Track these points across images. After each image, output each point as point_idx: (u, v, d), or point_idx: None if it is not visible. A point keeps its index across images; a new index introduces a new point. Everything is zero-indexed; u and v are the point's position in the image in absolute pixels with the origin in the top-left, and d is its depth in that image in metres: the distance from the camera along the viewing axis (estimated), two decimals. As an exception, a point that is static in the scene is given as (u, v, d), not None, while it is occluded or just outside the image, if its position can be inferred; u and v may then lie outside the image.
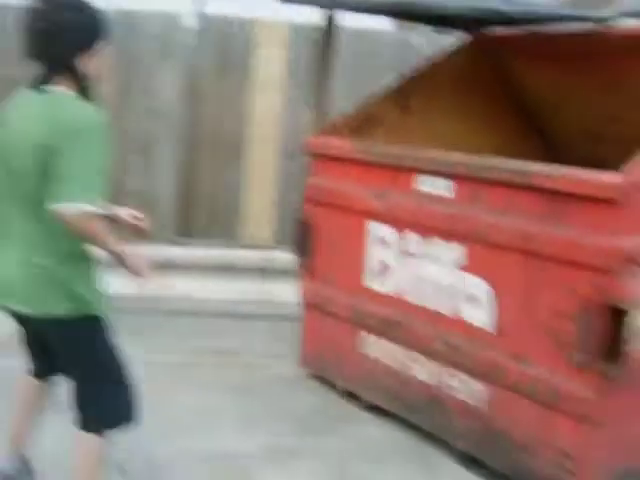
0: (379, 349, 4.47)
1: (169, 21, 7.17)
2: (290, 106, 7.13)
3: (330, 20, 4.57)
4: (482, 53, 5.45)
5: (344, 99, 5.95)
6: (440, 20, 5.05)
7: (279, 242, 7.05)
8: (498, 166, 3.69)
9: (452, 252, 3.94)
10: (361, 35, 7.27)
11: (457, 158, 3.94)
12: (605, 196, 3.23)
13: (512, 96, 5.60)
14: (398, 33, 7.29)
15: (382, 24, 7.35)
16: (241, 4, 6.96)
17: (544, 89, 5.47)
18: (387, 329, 4.38)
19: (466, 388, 3.91)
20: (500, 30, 5.27)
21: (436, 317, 4.07)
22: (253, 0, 6.76)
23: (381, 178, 4.37)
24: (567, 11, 4.72)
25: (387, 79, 5.69)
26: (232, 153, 7.33)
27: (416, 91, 5.26)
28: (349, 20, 5.72)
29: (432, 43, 7.00)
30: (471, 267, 3.84)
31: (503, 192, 3.64)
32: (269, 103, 7.27)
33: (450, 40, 5.73)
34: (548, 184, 3.42)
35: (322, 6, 4.46)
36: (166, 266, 6.34)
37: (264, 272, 6.76)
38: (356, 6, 4.44)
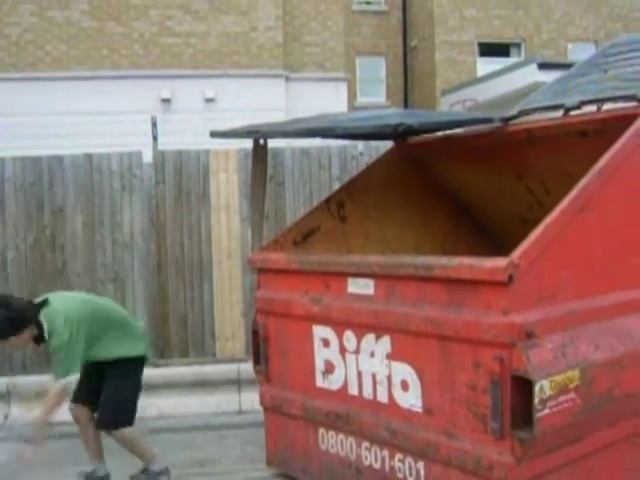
0: (335, 443, 4.77)
1: (127, 158, 7.75)
2: (246, 225, 7.63)
3: (256, 145, 5.07)
4: (407, 157, 5.98)
5: (299, 213, 6.47)
6: (360, 135, 5.58)
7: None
8: (405, 263, 4.11)
9: (381, 344, 4.32)
10: (307, 151, 7.86)
11: (372, 259, 4.37)
12: (494, 279, 3.64)
13: (441, 193, 6.10)
14: (341, 146, 7.85)
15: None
16: (191, 136, 7.56)
17: (468, 183, 5.97)
18: (339, 423, 4.69)
19: (410, 469, 4.21)
20: (419, 138, 5.82)
21: (377, 406, 4.40)
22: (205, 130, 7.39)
23: (316, 284, 4.78)
24: (471, 115, 5.26)
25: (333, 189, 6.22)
26: (198, 274, 7.80)
27: (350, 199, 5.76)
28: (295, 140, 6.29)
29: (375, 150, 7.57)
30: (397, 356, 4.21)
31: (413, 285, 4.05)
32: (227, 225, 7.78)
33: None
34: (447, 274, 3.84)
35: (246, 137, 4.97)
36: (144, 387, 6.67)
37: (239, 383, 7.09)
38: (277, 134, 4.95)
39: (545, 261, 3.72)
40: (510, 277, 3.60)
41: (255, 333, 5.34)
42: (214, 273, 7.81)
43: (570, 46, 23.22)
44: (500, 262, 3.65)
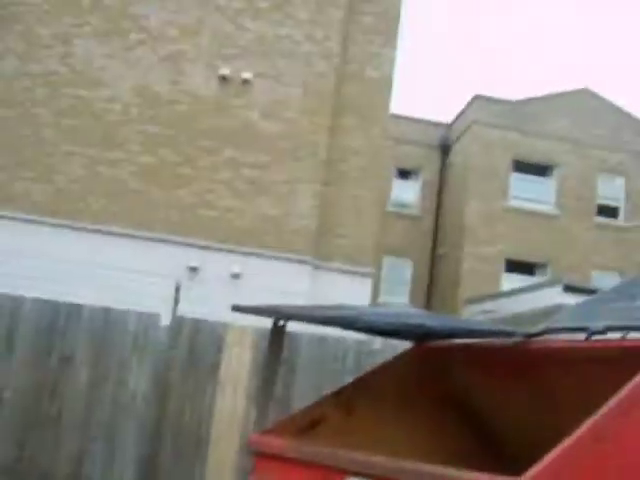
0: None
1: (145, 319, 7.75)
2: (252, 403, 7.46)
3: (275, 325, 5.04)
4: (424, 360, 5.89)
5: (306, 400, 6.32)
6: (383, 332, 5.54)
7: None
8: (408, 468, 3.93)
9: None
10: (324, 340, 7.81)
11: (376, 460, 4.19)
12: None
13: (453, 403, 5.94)
14: (359, 340, 7.80)
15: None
16: (212, 307, 7.57)
17: (483, 396, 5.83)
18: None
19: None
20: (439, 342, 5.76)
21: None
22: (227, 302, 7.42)
23: (313, 478, 4.57)
24: (494, 327, 5.22)
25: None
26: (194, 448, 7.56)
27: (361, 395, 5.62)
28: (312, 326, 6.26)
29: (392, 348, 7.50)
30: None
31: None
32: (232, 401, 7.62)
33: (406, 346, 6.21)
34: (454, 488, 3.65)
35: (267, 316, 4.95)
36: None
37: None
38: (298, 317, 4.93)
39: (558, 487, 3.54)
40: (520, 500, 3.40)
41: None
42: (210, 448, 7.56)
43: (594, 273, 23.56)
44: (512, 482, 3.47)
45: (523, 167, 24.28)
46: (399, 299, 23.56)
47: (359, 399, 5.62)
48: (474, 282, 22.60)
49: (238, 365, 7.69)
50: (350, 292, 12.13)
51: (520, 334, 5.24)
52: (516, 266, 23.35)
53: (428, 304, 24.15)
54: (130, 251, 12.34)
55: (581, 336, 5.15)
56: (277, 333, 5.05)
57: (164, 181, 13.29)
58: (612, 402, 3.93)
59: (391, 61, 14.70)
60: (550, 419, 5.50)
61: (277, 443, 4.91)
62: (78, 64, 13.62)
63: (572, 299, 13.37)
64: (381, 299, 22.67)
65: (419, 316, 4.87)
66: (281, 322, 5.04)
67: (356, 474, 4.31)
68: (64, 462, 7.52)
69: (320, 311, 4.88)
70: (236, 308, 5.12)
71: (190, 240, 12.82)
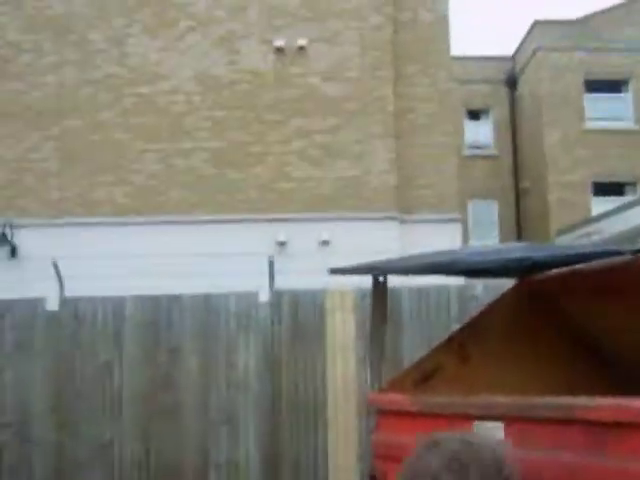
0: None
1: (244, 299, 7.79)
2: (362, 366, 7.43)
3: (376, 282, 4.97)
4: (532, 295, 5.73)
5: (416, 354, 6.25)
6: (484, 272, 5.40)
7: (366, 502, 7.04)
8: (539, 404, 3.82)
9: (514, 494, 3.96)
10: (424, 291, 7.70)
11: (502, 400, 4.09)
12: (643, 422, 3.30)
13: (566, 333, 5.77)
14: (460, 286, 7.67)
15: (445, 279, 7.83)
16: (307, 277, 7.55)
17: (597, 321, 5.63)
18: None
19: None
20: (543, 274, 5.58)
21: None
22: (320, 271, 7.40)
23: (440, 427, 4.49)
24: (598, 248, 5.02)
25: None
26: (312, 418, 7.59)
27: (473, 340, 5.51)
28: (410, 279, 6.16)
29: (495, 290, 7.34)
30: (533, 507, 3.84)
31: (549, 429, 3.73)
32: (343, 366, 7.61)
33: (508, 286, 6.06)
34: (592, 416, 3.52)
35: (365, 273, 4.88)
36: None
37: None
38: (397, 269, 4.85)
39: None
40: (662, 419, 3.26)
41: (372, 478, 5.04)
42: (329, 416, 7.58)
43: (688, 184, 22.66)
44: (651, 403, 3.33)
45: (596, 86, 23.43)
46: (490, 241, 23.18)
47: (471, 344, 5.52)
48: (563, 212, 22.02)
49: (343, 329, 7.67)
50: (440, 241, 11.91)
51: (628, 251, 5.03)
52: (604, 189, 22.64)
53: (519, 241, 23.69)
54: (217, 236, 12.43)
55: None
56: (379, 290, 4.99)
57: (238, 162, 13.32)
58: None
59: (444, 1, 14.32)
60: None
61: (396, 399, 4.87)
62: (134, 63, 13.73)
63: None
64: (472, 244, 22.35)
65: (521, 249, 4.71)
66: (381, 278, 4.97)
67: (482, 417, 4.22)
68: (189, 450, 7.67)
69: (418, 260, 4.78)
70: (334, 271, 5.08)
71: (274, 216, 12.83)
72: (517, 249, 4.82)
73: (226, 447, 7.68)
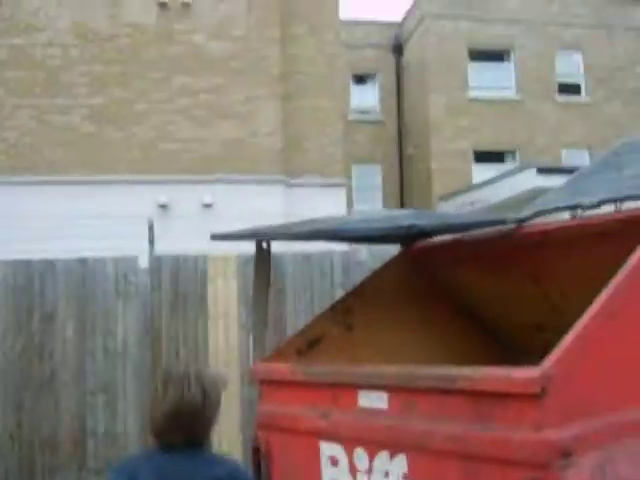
0: None
1: (123, 263, 7.49)
2: (245, 333, 7.30)
3: (259, 248, 4.81)
4: (416, 262, 5.72)
5: (300, 321, 6.16)
6: (369, 238, 5.33)
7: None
8: (424, 374, 3.78)
9: (396, 464, 3.93)
10: (308, 257, 7.61)
11: (386, 370, 4.04)
12: (526, 391, 3.30)
13: (450, 301, 5.80)
14: (344, 252, 7.62)
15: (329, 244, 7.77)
16: (189, 241, 7.31)
17: (479, 289, 5.69)
18: None
19: None
20: (428, 241, 5.57)
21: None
22: (203, 235, 7.18)
23: (323, 397, 4.41)
24: (483, 217, 5.03)
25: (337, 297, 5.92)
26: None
27: (358, 307, 5.45)
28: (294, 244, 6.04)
29: (379, 256, 7.33)
30: (414, 476, 3.81)
31: (433, 399, 3.70)
32: (225, 333, 7.45)
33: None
34: (472, 386, 3.50)
35: (249, 239, 4.72)
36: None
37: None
38: (281, 236, 4.70)
39: (579, 371, 3.40)
40: (543, 389, 3.26)
41: (255, 450, 4.92)
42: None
43: (564, 152, 23.47)
44: (532, 372, 3.32)
45: (480, 55, 23.87)
46: (373, 206, 23.41)
47: (356, 312, 5.46)
48: (445, 179, 22.43)
49: (225, 296, 7.49)
50: (325, 205, 11.90)
51: (512, 220, 5.06)
52: (485, 157, 23.20)
53: (402, 207, 24.05)
54: (95, 198, 11.95)
55: (575, 214, 4.98)
56: (262, 256, 4.83)
57: (119, 120, 12.81)
58: (621, 276, 3.79)
59: (333, -39, 14.13)
60: (554, 304, 5.38)
61: (279, 368, 4.75)
62: (8, 11, 12.94)
63: (547, 181, 13.26)
64: (355, 208, 22.51)
65: (408, 216, 4.65)
66: (264, 244, 4.81)
67: (368, 388, 4.16)
68: (66, 422, 7.36)
69: (303, 226, 4.64)
70: (215, 237, 4.89)
71: (156, 177, 12.43)
72: (403, 216, 4.77)
73: (104, 417, 7.42)
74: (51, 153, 12.44)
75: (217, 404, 2.95)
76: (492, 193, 17.46)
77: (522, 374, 3.36)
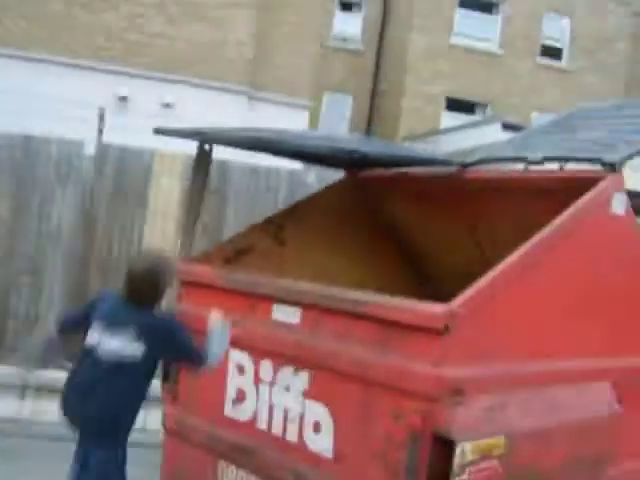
0: (235, 478, 4.41)
1: (67, 147, 7.34)
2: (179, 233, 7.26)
3: (201, 149, 4.76)
4: (356, 190, 5.71)
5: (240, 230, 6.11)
6: (314, 158, 5.30)
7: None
8: (336, 295, 3.81)
9: (298, 379, 3.99)
10: (255, 170, 7.55)
11: (301, 286, 4.06)
12: (430, 326, 3.35)
13: (386, 231, 5.83)
14: (293, 171, 7.57)
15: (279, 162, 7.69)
16: (142, 138, 7.16)
17: (417, 226, 5.71)
18: (242, 458, 4.33)
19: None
20: (373, 171, 5.55)
21: (285, 445, 4.06)
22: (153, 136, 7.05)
23: (239, 305, 4.44)
24: (430, 155, 5.03)
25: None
26: (121, 278, 7.36)
27: (292, 224, 5.45)
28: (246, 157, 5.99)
29: (327, 181, 7.29)
30: (314, 394, 3.88)
31: (341, 320, 3.75)
32: (162, 231, 7.40)
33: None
34: (379, 313, 3.55)
35: (191, 138, 4.66)
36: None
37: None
38: (224, 139, 4.65)
39: (486, 314, 3.46)
40: (446, 326, 3.32)
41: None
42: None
43: (534, 114, 23.47)
44: (438, 308, 3.37)
45: (469, 3, 23.55)
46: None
47: (290, 228, 5.46)
48: (414, 120, 22.31)
49: (167, 195, 7.40)
50: (286, 125, 11.73)
51: (457, 163, 5.07)
52: (457, 105, 23.10)
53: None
54: (54, 78, 11.60)
55: (519, 167, 5.00)
56: (202, 157, 4.78)
57: (89, 4, 12.38)
58: (547, 230, 3.83)
59: None
60: (485, 250, 5.44)
61: (203, 271, 4.75)
62: None
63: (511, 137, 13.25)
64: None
65: (353, 141, 4.62)
66: (207, 146, 4.76)
67: (283, 301, 4.18)
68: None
69: (247, 133, 4.59)
70: (159, 131, 4.83)
71: (118, 68, 12.12)
72: (349, 140, 4.74)
73: (29, 298, 7.35)
74: (13, 24, 12.01)
75: (170, 279, 4.15)
76: (456, 141, 17.45)
77: (428, 308, 3.41)
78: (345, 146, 4.51)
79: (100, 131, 7.53)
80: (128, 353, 3.84)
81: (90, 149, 7.51)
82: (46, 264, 7.36)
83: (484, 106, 23.66)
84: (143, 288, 3.94)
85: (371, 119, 24.60)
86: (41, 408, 6.63)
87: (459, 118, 21.90)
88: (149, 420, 6.46)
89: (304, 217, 5.45)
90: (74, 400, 3.97)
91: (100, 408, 3.88)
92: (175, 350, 4.00)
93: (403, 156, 4.84)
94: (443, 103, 23.16)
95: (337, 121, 23.64)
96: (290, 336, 4.05)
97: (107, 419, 3.92)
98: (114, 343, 3.86)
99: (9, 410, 6.70)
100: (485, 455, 3.36)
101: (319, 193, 5.61)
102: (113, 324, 3.93)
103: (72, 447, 4.09)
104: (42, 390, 6.59)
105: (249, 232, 5.25)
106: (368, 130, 24.19)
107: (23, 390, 6.86)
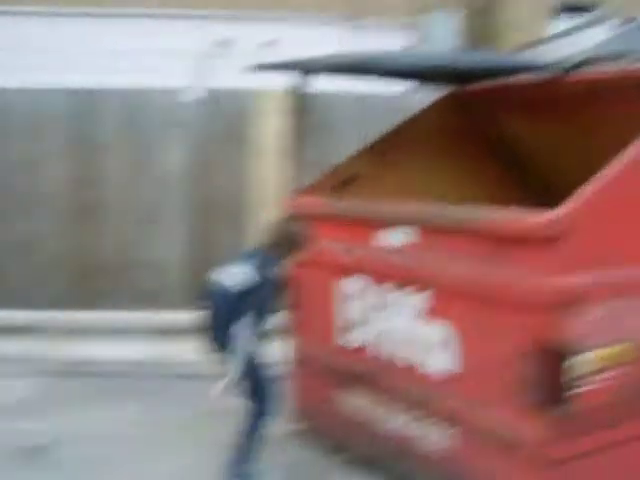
0: (354, 403, 4.49)
1: (171, 96, 7.47)
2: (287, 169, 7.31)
3: (304, 84, 4.74)
4: (457, 107, 5.55)
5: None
6: (412, 76, 5.15)
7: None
8: (447, 213, 3.76)
9: (415, 300, 3.98)
10: (360, 99, 7.46)
11: (412, 208, 4.03)
12: (539, 235, 3.26)
13: (492, 146, 5.66)
14: (389, 97, 7.42)
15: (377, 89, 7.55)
16: (247, 80, 7.18)
17: (525, 136, 5.51)
18: (366, 382, 4.40)
19: (438, 436, 3.91)
20: (474, 85, 5.37)
21: (407, 367, 4.09)
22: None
23: (349, 233, 4.46)
24: (529, 61, 4.82)
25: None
26: (236, 217, 7.49)
27: (394, 146, 5.36)
28: (345, 86, 5.92)
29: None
30: (432, 313, 3.88)
31: (454, 237, 3.69)
32: (269, 168, 7.45)
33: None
34: (490, 226, 3.48)
35: (287, 69, 4.65)
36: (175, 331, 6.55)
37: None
38: (325, 66, 4.59)
39: (597, 219, 3.33)
40: (556, 234, 3.22)
41: (286, 282, 5.04)
42: (250, 218, 7.52)
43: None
44: (545, 217, 3.27)
45: None
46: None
47: (394, 152, 5.37)
48: (524, 33, 21.41)
49: (272, 132, 7.42)
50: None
51: (559, 66, 4.82)
52: (570, 10, 22.00)
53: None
54: (154, 31, 11.69)
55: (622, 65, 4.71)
56: (304, 89, 4.76)
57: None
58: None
59: None
60: (597, 155, 5.20)
61: (311, 202, 4.78)
62: None
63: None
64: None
65: (449, 55, 4.48)
66: (307, 76, 4.72)
67: (394, 224, 4.16)
68: (109, 249, 7.50)
69: (346, 57, 4.51)
70: (259, 67, 4.84)
71: (215, 12, 12.08)
72: (447, 56, 4.58)
73: (148, 246, 7.58)
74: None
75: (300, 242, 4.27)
76: (568, 45, 16.66)
77: (536, 218, 3.31)
78: (443, 61, 4.38)
79: (203, 76, 7.61)
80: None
81: (193, 94, 7.60)
82: (162, 211, 7.56)
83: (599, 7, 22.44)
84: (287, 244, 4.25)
85: (480, 35, 23.80)
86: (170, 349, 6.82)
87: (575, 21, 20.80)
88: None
89: (408, 139, 5.36)
90: None
91: None
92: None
93: (503, 65, 4.65)
94: (556, 11, 22.11)
95: (443, 41, 22.97)
96: (403, 259, 4.03)
97: None
98: None
99: (146, 353, 6.94)
100: (607, 365, 3.29)
101: (421, 113, 5.50)
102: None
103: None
104: (169, 333, 6.79)
105: (354, 160, 5.23)
106: (476, 47, 23.41)
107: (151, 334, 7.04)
